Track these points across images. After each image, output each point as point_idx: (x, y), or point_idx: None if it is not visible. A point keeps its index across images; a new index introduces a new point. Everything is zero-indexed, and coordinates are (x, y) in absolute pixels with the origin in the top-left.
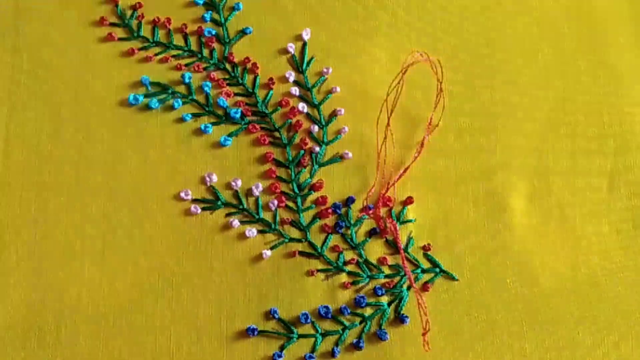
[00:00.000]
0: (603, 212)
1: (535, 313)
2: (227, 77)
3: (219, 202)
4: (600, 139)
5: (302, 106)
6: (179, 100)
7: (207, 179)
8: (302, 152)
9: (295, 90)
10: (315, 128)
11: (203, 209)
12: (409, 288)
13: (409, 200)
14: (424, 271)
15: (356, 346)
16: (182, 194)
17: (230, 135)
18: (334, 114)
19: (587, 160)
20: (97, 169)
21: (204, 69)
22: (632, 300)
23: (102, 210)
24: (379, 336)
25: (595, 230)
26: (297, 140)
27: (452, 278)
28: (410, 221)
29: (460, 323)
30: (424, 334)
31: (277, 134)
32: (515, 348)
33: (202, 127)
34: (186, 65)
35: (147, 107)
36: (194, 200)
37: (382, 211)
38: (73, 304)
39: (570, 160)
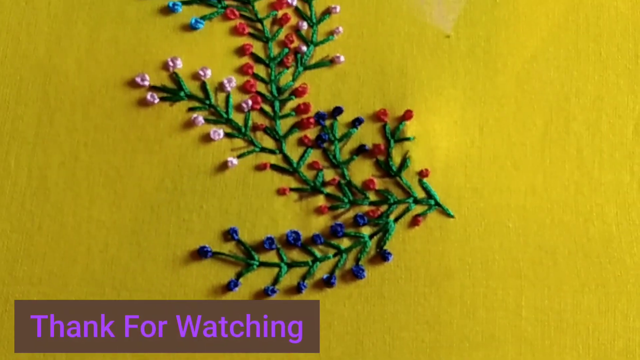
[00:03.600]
0: (625, 158)
1: (537, 267)
2: None
3: (182, 93)
4: (630, 77)
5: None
6: None
7: (170, 63)
8: (286, 50)
9: None
10: (305, 25)
11: (162, 99)
12: (396, 220)
13: (407, 115)
14: (416, 201)
15: (327, 282)
16: (138, 79)
17: (203, 18)
18: (327, 12)
19: (613, 98)
20: (40, 40)
21: None
22: None
23: (40, 88)
24: (355, 273)
25: (615, 179)
26: (281, 36)
27: (448, 214)
28: (407, 139)
29: (450, 268)
30: None
31: (259, 26)
32: (510, 305)
33: (170, 5)
34: None
35: None
36: (152, 88)
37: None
38: None
39: (594, 97)
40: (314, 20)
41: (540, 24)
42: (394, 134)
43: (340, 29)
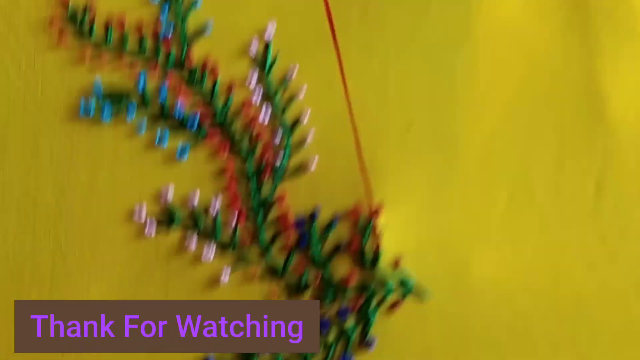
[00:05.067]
0: (588, 218)
1: (511, 334)
2: (186, 80)
3: (175, 221)
4: (588, 139)
5: (264, 116)
6: (134, 105)
7: (163, 195)
8: (262, 165)
9: (257, 95)
10: (278, 138)
11: (158, 225)
12: (376, 307)
13: (375, 213)
14: (392, 289)
15: None
16: (136, 212)
17: (185, 148)
18: (297, 122)
19: (573, 161)
20: (47, 187)
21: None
22: (618, 319)
23: (52, 232)
24: None
25: (579, 239)
26: (258, 151)
27: (423, 298)
28: (378, 233)
29: (431, 346)
30: None
31: (237, 146)
32: None
33: (157, 141)
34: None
35: (99, 119)
36: (149, 219)
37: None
38: None
39: (554, 162)
40: (287, 131)
41: (499, 100)
42: (365, 230)
43: (310, 137)
